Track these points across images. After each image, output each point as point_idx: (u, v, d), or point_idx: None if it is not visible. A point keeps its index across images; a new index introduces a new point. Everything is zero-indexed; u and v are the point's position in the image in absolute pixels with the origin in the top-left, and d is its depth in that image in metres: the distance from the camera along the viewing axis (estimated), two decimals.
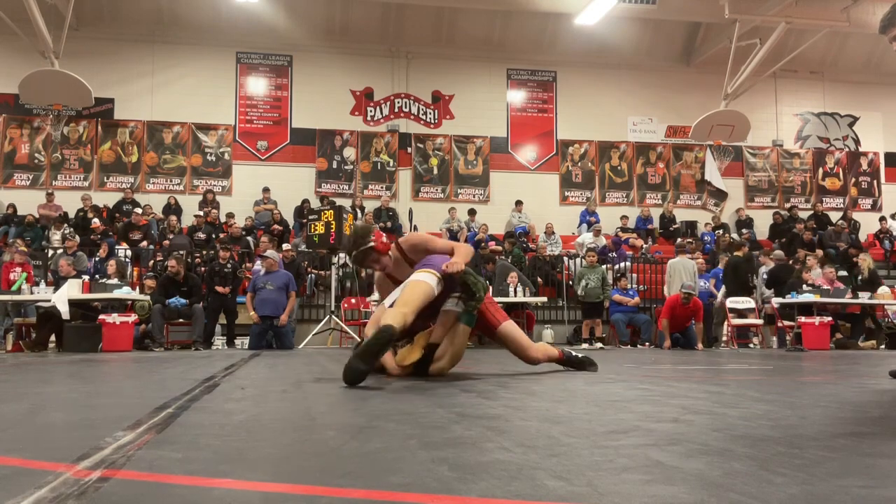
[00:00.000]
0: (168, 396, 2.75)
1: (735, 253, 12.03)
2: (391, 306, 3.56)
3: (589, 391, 3.04)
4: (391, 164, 16.11)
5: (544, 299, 11.97)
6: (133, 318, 9.02)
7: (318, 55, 15.86)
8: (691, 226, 16.39)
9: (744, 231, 16.17)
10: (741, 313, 11.42)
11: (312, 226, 10.39)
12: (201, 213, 14.13)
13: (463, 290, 3.68)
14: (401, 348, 3.80)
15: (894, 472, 1.34)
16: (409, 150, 16.19)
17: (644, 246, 15.31)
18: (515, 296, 10.98)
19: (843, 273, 12.94)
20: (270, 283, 10.00)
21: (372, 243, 3.81)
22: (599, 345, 11.04)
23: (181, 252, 11.09)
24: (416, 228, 14.57)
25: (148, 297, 9.92)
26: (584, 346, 11.07)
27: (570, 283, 12.76)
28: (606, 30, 15.52)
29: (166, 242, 12.97)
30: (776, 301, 10.84)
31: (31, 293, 9.27)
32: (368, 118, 16.20)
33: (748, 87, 14.66)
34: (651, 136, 17.12)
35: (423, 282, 3.56)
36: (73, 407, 2.56)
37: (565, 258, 13.84)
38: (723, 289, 11.87)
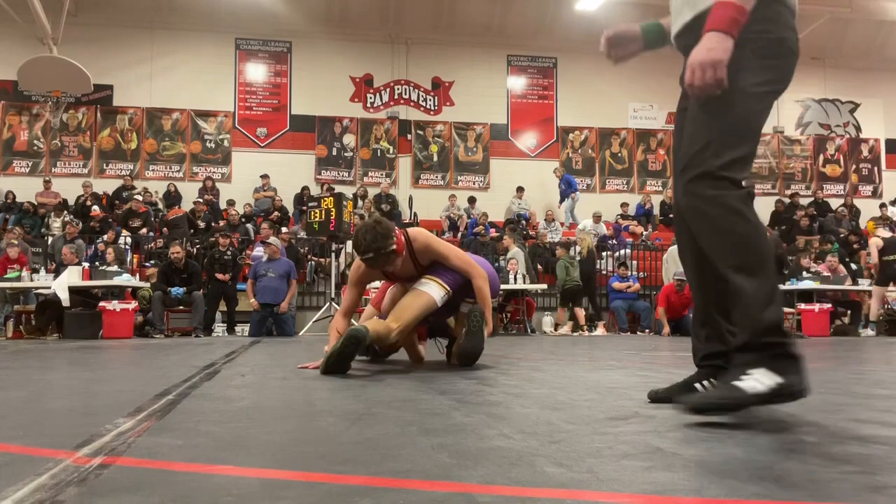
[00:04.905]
0: (168, 383, 2.75)
1: None
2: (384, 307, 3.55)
3: (589, 378, 3.04)
4: (391, 150, 16.07)
5: (544, 286, 11.97)
6: (133, 304, 9.05)
7: (318, 41, 15.79)
8: None
9: None
10: None
11: (312, 213, 10.38)
12: (200, 200, 14.11)
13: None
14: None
15: (892, 458, 1.34)
16: (408, 136, 16.15)
17: (644, 233, 15.30)
18: (515, 283, 10.98)
19: None
20: (272, 271, 10.00)
21: (394, 247, 3.36)
22: (593, 331, 11.04)
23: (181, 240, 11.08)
24: (415, 216, 14.54)
25: (148, 286, 9.94)
26: (577, 332, 11.08)
27: None
28: (607, 15, 15.39)
29: (166, 230, 12.96)
30: None
31: (31, 280, 9.28)
32: (368, 105, 16.14)
33: None
34: (652, 123, 17.06)
35: (426, 294, 3.46)
36: (74, 394, 2.57)
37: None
38: None
